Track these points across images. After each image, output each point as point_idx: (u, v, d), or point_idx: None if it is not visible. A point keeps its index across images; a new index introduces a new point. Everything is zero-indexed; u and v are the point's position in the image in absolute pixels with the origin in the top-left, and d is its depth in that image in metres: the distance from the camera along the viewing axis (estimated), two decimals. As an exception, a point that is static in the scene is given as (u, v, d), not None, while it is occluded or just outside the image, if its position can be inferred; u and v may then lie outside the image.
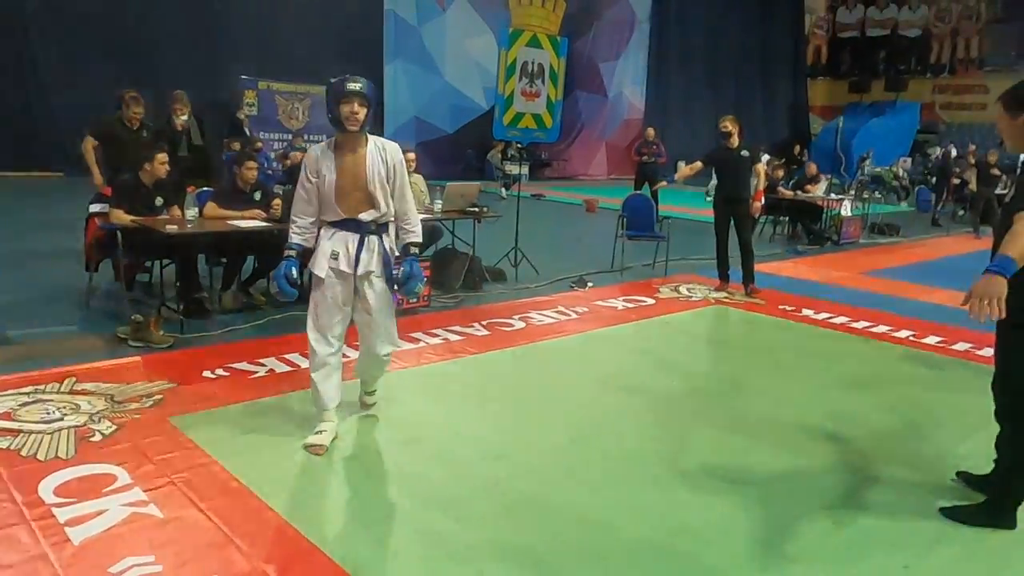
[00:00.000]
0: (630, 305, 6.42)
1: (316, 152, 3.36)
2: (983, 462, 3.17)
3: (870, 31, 29.36)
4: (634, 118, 22.46)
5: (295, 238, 3.35)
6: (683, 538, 2.74)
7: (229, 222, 5.29)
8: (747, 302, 6.72)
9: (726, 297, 6.84)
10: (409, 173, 6.92)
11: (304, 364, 4.39)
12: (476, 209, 6.58)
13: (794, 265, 9.06)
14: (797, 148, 19.18)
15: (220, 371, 4.19)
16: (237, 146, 9.57)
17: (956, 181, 14.39)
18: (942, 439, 3.79)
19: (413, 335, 5.08)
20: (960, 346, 5.55)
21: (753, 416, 4.00)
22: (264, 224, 5.35)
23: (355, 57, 16.39)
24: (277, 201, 5.47)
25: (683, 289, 7.08)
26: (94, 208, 5.35)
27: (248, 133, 12.00)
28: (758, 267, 7.31)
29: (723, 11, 24.51)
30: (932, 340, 5.71)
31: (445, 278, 6.44)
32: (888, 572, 2.58)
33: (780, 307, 6.56)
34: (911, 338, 5.75)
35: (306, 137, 14.21)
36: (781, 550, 2.70)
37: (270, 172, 10.13)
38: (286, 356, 4.49)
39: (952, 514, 2.92)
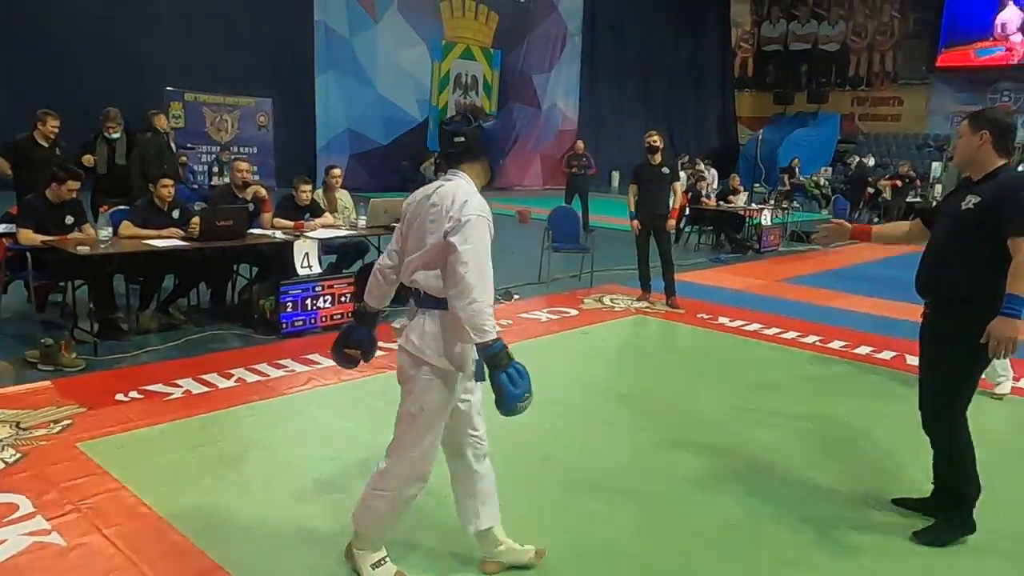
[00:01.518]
0: (554, 317, 6.57)
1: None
2: (897, 460, 3.39)
3: (792, 45, 30.50)
4: (568, 129, 22.82)
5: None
6: (590, 547, 2.87)
7: (145, 241, 5.22)
8: (667, 311, 6.95)
9: (647, 307, 7.05)
10: (335, 189, 7.01)
11: (223, 384, 4.39)
12: (401, 224, 6.63)
13: (716, 273, 9.38)
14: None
15: (134, 394, 4.14)
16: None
17: (871, 190, 15.12)
18: (848, 438, 4.03)
19: (335, 352, 5.10)
20: (862, 350, 5.88)
21: (662, 421, 4.17)
22: (182, 243, 5.30)
23: (286, 68, 16.30)
24: (196, 219, 5.42)
25: (607, 300, 7.27)
26: (1, 229, 5.21)
27: (173, 148, 11.75)
28: (682, 275, 7.56)
29: (653, 25, 25.17)
30: (837, 344, 6.02)
31: (371, 293, 6.46)
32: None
33: (698, 316, 6.80)
34: (818, 343, 6.06)
35: (235, 150, 13.99)
36: (695, 554, 2.85)
37: (195, 187, 9.97)
38: (203, 377, 4.46)
39: (923, 538, 2.96)
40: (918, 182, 13.57)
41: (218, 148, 14.11)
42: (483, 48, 20.87)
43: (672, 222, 7.21)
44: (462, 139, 2.40)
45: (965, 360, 2.86)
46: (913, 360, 5.44)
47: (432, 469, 2.49)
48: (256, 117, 15.59)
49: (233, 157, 10.37)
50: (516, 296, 7.16)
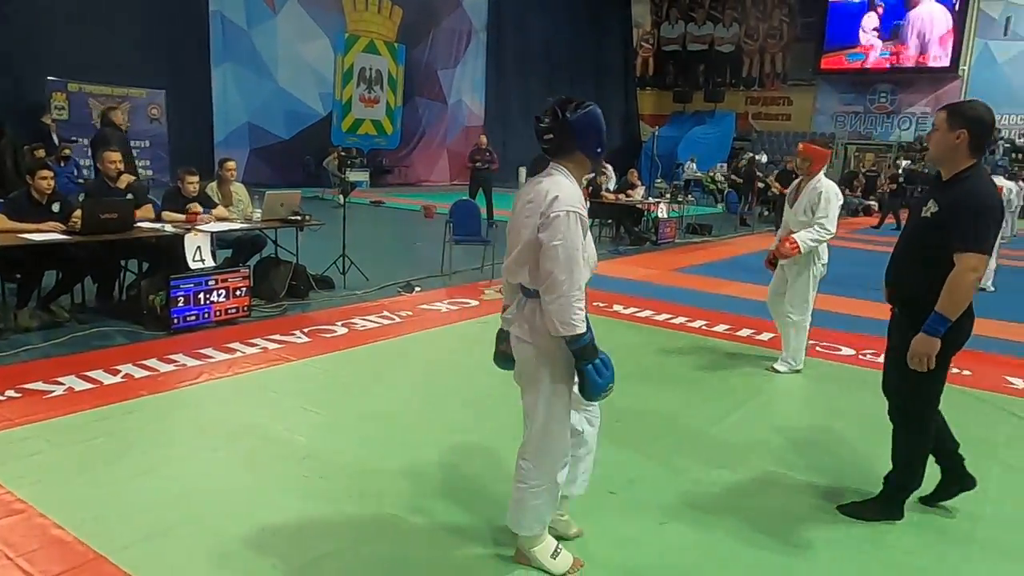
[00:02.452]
0: (454, 308, 6.68)
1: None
2: (753, 433, 3.65)
3: (690, 46, 31.66)
4: (474, 125, 22.92)
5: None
6: (478, 528, 2.99)
7: (20, 235, 5.00)
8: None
9: (546, 296, 7.24)
10: (229, 182, 6.88)
11: (109, 380, 4.28)
12: (298, 217, 6.58)
13: (615, 264, 9.71)
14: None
15: (11, 392, 3.98)
16: (41, 153, 8.90)
17: (761, 184, 15.92)
18: (712, 415, 4.31)
19: (230, 345, 5.04)
20: (743, 332, 6.25)
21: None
22: (62, 237, 5.10)
23: (180, 59, 15.70)
24: (78, 212, 5.23)
25: (507, 290, 7.42)
26: None
27: (55, 139, 11.17)
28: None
29: (557, 23, 25.58)
30: (721, 328, 6.39)
31: (267, 287, 6.39)
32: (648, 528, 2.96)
33: (594, 303, 7.04)
34: (703, 327, 6.40)
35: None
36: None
37: (81, 181, 9.52)
38: (87, 374, 4.33)
39: (850, 511, 3.11)
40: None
41: (107, 141, 13.45)
42: (387, 42, 20.71)
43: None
44: (551, 135, 2.41)
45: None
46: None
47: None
48: (148, 109, 14.95)
49: (105, 150, 9.91)
50: (418, 288, 7.23)
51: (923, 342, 2.74)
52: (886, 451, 3.18)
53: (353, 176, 17.58)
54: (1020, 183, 15.28)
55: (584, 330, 2.31)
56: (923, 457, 3.09)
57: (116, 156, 5.98)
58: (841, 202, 5.01)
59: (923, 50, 25.76)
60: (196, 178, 6.24)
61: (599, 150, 2.48)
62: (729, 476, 3.50)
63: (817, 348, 5.75)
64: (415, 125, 22.12)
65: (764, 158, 25.38)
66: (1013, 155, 23.33)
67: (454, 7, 22.54)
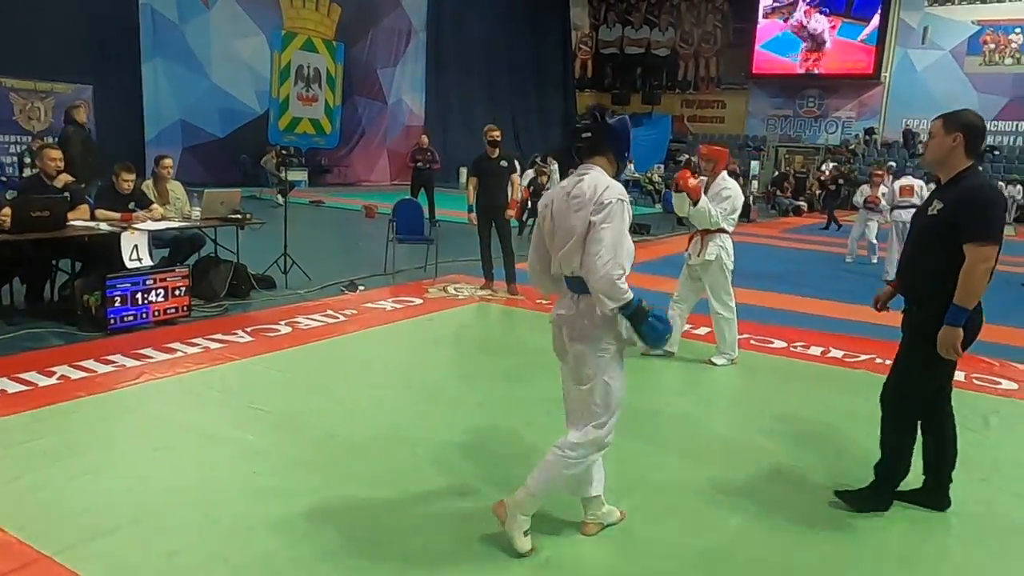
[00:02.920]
0: (398, 306, 6.69)
1: None
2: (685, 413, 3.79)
3: (628, 49, 32.24)
4: (415, 125, 22.82)
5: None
6: (429, 520, 3.05)
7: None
8: (508, 299, 7.26)
9: (490, 295, 7.33)
10: (166, 180, 6.73)
11: (44, 382, 4.17)
12: (239, 216, 6.49)
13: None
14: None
15: (-62, 396, 3.84)
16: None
17: (696, 185, 16.34)
18: (657, 402, 4.47)
19: (170, 345, 4.96)
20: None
21: (497, 397, 4.43)
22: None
23: (108, 54, 15.20)
24: (6, 210, 5.05)
25: (451, 289, 7.48)
26: None
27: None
28: (522, 266, 7.88)
29: (496, 24, 25.67)
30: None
31: (208, 287, 6.29)
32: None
33: (537, 301, 7.16)
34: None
35: (47, 140, 12.88)
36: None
37: (3, 179, 9.15)
38: (20, 376, 4.21)
39: (847, 499, 3.24)
40: (740, 179, 14.92)
41: (29, 138, 12.95)
42: (325, 40, 20.45)
43: (511, 212, 7.53)
44: (588, 134, 2.67)
45: (921, 357, 3.00)
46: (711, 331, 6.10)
47: None
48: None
49: (41, 145, 9.58)
50: (361, 287, 7.21)
51: (947, 333, 2.86)
52: (823, 433, 3.37)
53: (292, 175, 17.30)
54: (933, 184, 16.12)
55: (631, 295, 2.49)
56: (911, 446, 3.21)
57: (56, 154, 5.77)
58: (742, 199, 5.45)
59: (846, 57, 26.87)
60: (133, 175, 6.10)
61: (626, 155, 2.75)
62: (682, 463, 3.64)
63: (751, 341, 5.98)
64: (355, 124, 21.90)
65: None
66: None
67: (394, 6, 22.42)
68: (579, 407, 2.72)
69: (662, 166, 25.14)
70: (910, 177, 10.00)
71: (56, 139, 9.13)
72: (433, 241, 8.15)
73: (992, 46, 25.04)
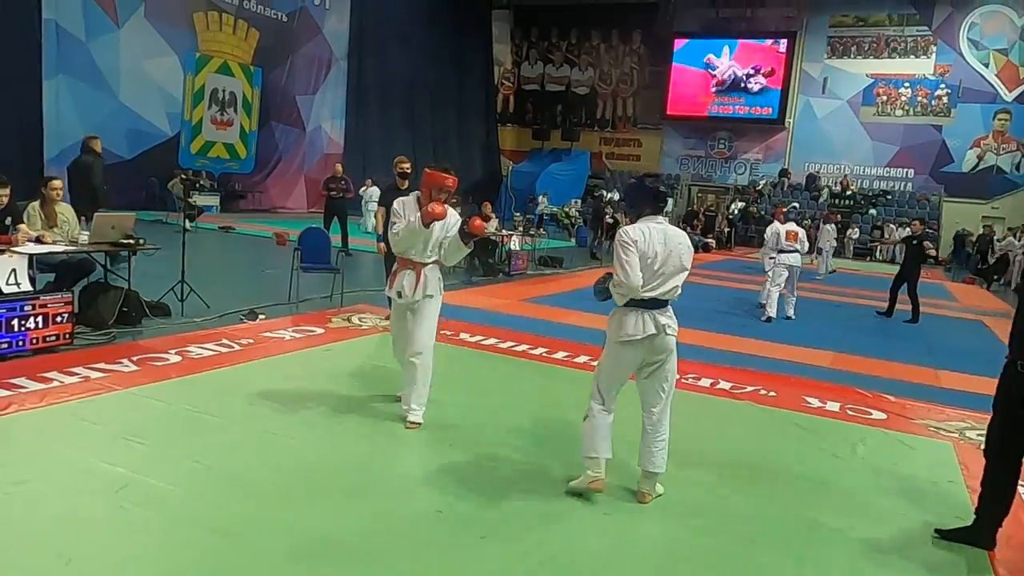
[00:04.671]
0: (298, 335, 6.59)
1: None
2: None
3: (549, 86, 33.06)
4: (333, 153, 22.64)
5: None
6: (318, 546, 3.01)
7: None
8: (413, 328, 7.24)
9: (394, 325, 7.30)
10: (55, 202, 6.47)
11: None
12: (131, 241, 6.29)
13: (467, 294, 9.92)
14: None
15: None
16: None
17: (609, 220, 16.81)
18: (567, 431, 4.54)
19: (46, 375, 4.73)
20: (581, 359, 6.59)
21: (384, 425, 4.42)
22: None
23: (6, 69, 14.52)
24: None
25: (355, 319, 7.42)
26: None
27: None
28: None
29: (419, 55, 25.87)
30: (561, 355, 6.71)
31: (95, 314, 6.04)
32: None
33: (441, 332, 7.16)
34: (543, 354, 6.70)
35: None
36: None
37: None
38: None
39: (947, 535, 3.51)
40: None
41: (-86, 153, 12.20)
42: (242, 64, 20.16)
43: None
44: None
45: None
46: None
47: None
48: (-34, 120, 13.72)
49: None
50: (262, 316, 7.07)
51: None
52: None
53: (202, 200, 16.88)
54: (831, 226, 17.10)
55: None
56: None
57: None
58: None
59: (753, 103, 28.31)
60: (7, 189, 5.73)
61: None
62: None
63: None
64: (271, 150, 21.56)
65: (616, 196, 26.81)
66: (832, 200, 26.00)
67: (314, 33, 22.32)
68: (667, 395, 3.69)
69: (579, 201, 25.74)
70: (793, 224, 10.43)
71: (68, 167, 9.72)
72: (339, 270, 8.09)
73: (884, 98, 26.89)
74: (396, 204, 4.50)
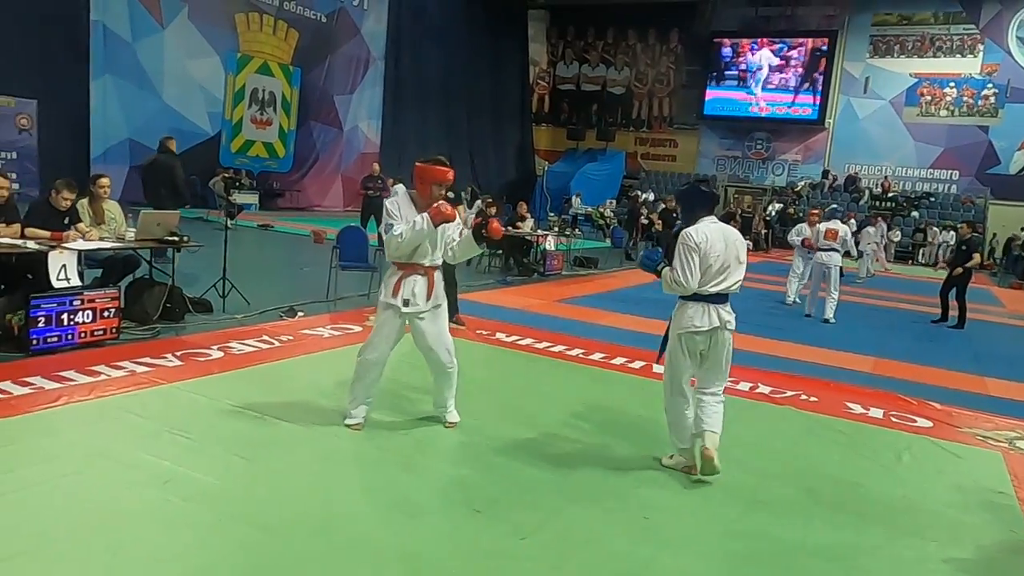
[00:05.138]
0: (336, 333, 6.66)
1: None
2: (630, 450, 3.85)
3: (584, 86, 32.92)
4: (370, 152, 22.84)
5: None
6: (359, 544, 3.03)
7: None
8: (450, 327, 7.25)
9: (431, 323, 7.33)
10: (102, 199, 6.61)
11: None
12: (175, 238, 6.41)
13: (501, 294, 9.92)
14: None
15: None
16: None
17: (644, 221, 16.69)
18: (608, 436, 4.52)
19: (94, 368, 4.84)
20: (617, 360, 6.55)
21: (423, 421, 4.44)
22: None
23: (55, 68, 14.95)
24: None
25: (392, 317, 7.46)
26: None
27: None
28: (470, 295, 7.94)
29: (456, 55, 25.99)
30: (597, 356, 6.67)
31: (140, 309, 6.17)
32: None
33: (477, 331, 7.20)
34: (581, 355, 6.67)
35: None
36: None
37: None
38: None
39: None
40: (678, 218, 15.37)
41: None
42: (282, 64, 20.43)
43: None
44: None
45: None
46: (659, 368, 6.21)
47: None
48: (16, 119, 14.12)
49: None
50: (301, 313, 7.15)
51: None
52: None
53: (242, 199, 17.11)
54: (872, 228, 16.76)
55: None
56: None
57: (5, 183, 5.67)
58: None
59: (792, 104, 27.89)
60: (74, 194, 5.94)
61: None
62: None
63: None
64: (309, 149, 21.82)
65: (651, 196, 26.60)
66: (873, 202, 25.50)
67: (352, 34, 22.53)
68: (724, 380, 4.04)
69: (614, 201, 25.60)
70: (837, 222, 10.35)
71: (144, 167, 10.23)
72: (377, 268, 8.14)
73: (928, 98, 26.27)
74: (388, 204, 4.14)
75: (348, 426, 4.25)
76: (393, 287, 4.14)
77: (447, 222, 3.99)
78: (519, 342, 6.98)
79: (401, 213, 4.03)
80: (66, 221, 5.92)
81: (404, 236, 3.98)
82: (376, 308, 4.33)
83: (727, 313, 3.93)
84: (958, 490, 4.19)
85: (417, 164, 4.11)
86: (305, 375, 5.37)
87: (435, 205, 3.93)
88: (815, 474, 4.26)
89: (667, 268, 3.90)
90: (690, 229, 3.88)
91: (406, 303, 4.12)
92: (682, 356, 3.96)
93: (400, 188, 4.09)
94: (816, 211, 12.04)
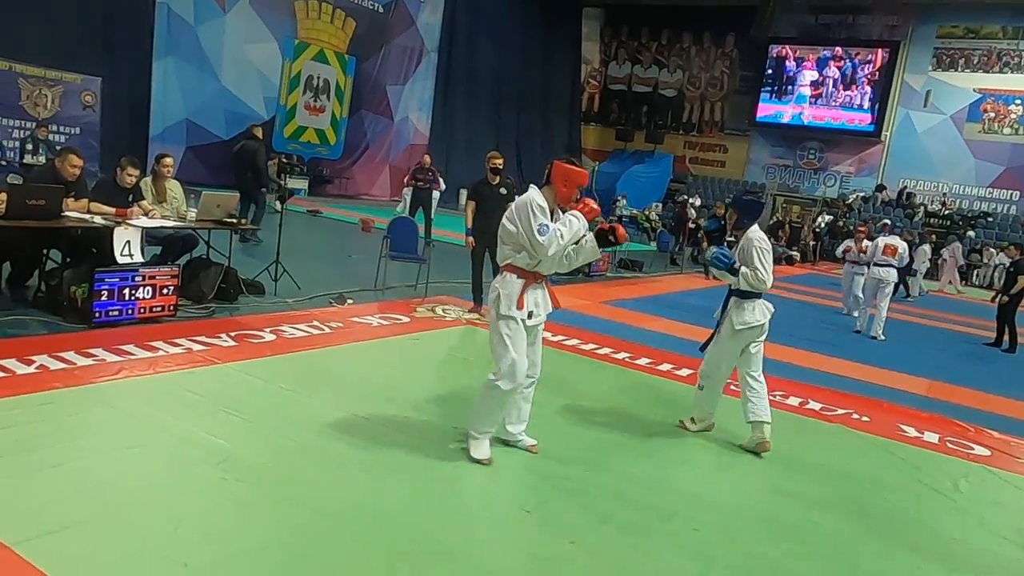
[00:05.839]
0: (385, 322, 6.71)
1: None
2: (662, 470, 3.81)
3: (635, 87, 32.64)
4: (419, 143, 22.98)
5: None
6: (407, 536, 3.05)
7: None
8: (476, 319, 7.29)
9: (477, 318, 7.36)
10: (165, 178, 6.76)
11: (22, 370, 4.16)
12: (234, 220, 6.52)
13: (546, 292, 9.88)
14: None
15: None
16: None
17: (692, 226, 16.48)
18: (631, 445, 4.48)
19: (152, 343, 4.95)
20: (664, 366, 6.49)
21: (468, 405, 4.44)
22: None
23: (120, 47, 15.33)
24: (2, 196, 5.06)
25: (439, 310, 7.50)
26: None
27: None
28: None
29: (508, 51, 25.99)
30: (643, 361, 6.61)
31: (196, 288, 6.29)
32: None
33: (523, 329, 7.17)
34: (626, 359, 6.62)
35: (52, 128, 12.96)
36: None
37: (3, 163, 9.17)
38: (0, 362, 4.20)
39: None
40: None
41: (34, 124, 12.97)
42: (337, 53, 20.64)
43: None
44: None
45: None
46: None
47: None
48: (81, 96, 14.50)
49: (65, 149, 9.67)
50: (350, 301, 7.22)
51: None
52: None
53: (292, 183, 17.36)
54: (927, 246, 16.33)
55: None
56: None
57: (78, 162, 5.78)
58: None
59: (848, 114, 27.29)
60: (138, 171, 6.10)
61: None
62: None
63: (732, 387, 6.03)
64: (359, 138, 22.02)
65: (698, 201, 26.26)
66: (928, 219, 24.85)
67: (407, 25, 22.66)
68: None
69: (660, 204, 25.34)
70: (896, 238, 10.14)
71: (234, 152, 10.79)
72: (425, 261, 8.19)
73: (992, 115, 25.48)
74: (534, 204, 3.71)
75: (479, 461, 3.76)
76: (517, 299, 3.78)
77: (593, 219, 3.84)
78: (564, 342, 6.94)
79: (549, 216, 3.75)
80: (130, 198, 6.07)
81: (564, 239, 3.71)
82: (491, 316, 3.91)
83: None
84: (1016, 523, 4.05)
85: (560, 164, 3.86)
86: (355, 363, 5.42)
87: (583, 202, 3.81)
88: (869, 498, 4.16)
89: (745, 267, 4.40)
90: (758, 232, 4.53)
91: (531, 315, 3.82)
92: (736, 350, 4.55)
93: (533, 188, 3.83)
94: (863, 227, 11.84)
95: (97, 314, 5.18)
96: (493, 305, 3.86)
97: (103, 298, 5.21)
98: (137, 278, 5.41)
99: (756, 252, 4.39)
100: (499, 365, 3.77)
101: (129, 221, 5.66)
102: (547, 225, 3.67)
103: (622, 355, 6.74)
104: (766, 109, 28.71)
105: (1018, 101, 25.04)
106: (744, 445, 4.57)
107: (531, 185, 3.89)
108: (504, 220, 3.85)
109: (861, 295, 10.88)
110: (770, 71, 28.65)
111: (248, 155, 10.24)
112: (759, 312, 4.48)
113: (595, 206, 3.84)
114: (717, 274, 4.66)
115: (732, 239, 4.82)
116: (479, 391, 3.88)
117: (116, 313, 5.30)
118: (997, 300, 10.25)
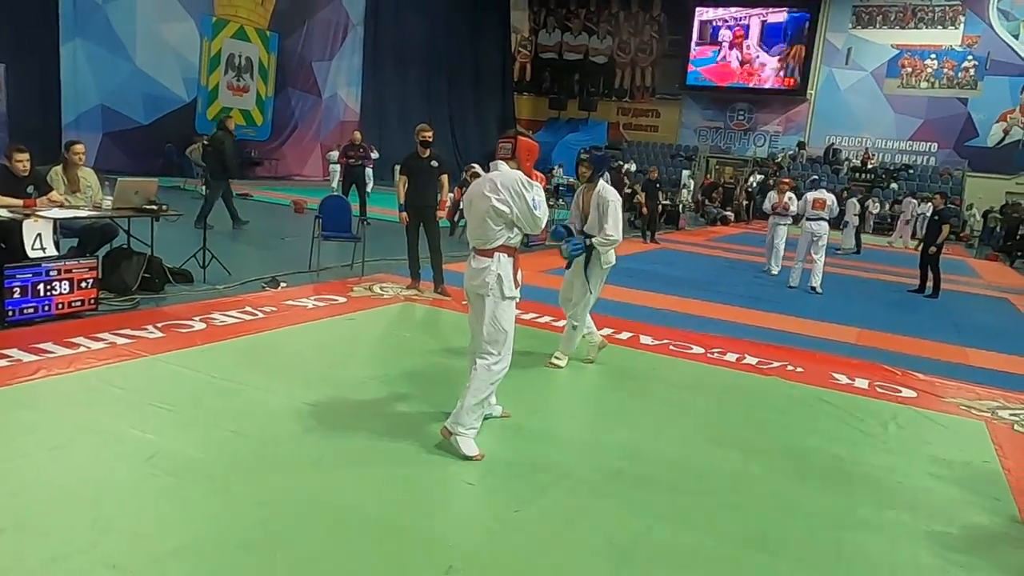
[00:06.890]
0: (321, 304, 6.56)
1: None
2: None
3: (566, 55, 32.56)
4: (350, 120, 22.51)
5: None
6: (350, 516, 2.99)
7: None
8: (434, 299, 7.21)
9: (416, 295, 7.27)
10: (77, 166, 6.41)
11: None
12: (154, 207, 6.25)
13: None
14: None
15: None
16: None
17: (628, 191, 16.60)
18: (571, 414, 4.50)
19: (72, 340, 4.73)
20: (605, 331, 6.52)
21: (426, 396, 4.39)
22: None
23: (24, 31, 14.48)
24: None
25: (376, 288, 7.38)
26: None
27: None
28: (454, 266, 7.82)
29: (436, 22, 25.55)
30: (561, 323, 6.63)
31: (118, 280, 6.02)
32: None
33: (463, 302, 7.10)
34: (551, 322, 6.63)
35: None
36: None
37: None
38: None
39: None
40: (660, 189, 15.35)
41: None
42: (258, 29, 19.96)
43: (441, 213, 7.47)
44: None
45: None
46: (646, 339, 6.22)
47: None
48: (-16, 84, 13.69)
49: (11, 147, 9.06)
50: (283, 284, 7.04)
51: None
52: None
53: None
54: (855, 199, 16.85)
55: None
56: None
57: (24, 156, 5.64)
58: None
59: (774, 75, 27.81)
60: (26, 155, 5.69)
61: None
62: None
63: (671, 347, 6.12)
64: (287, 117, 21.44)
65: (633, 167, 26.51)
66: (853, 174, 25.62)
67: (330, -2, 22.06)
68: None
69: (597, 172, 25.43)
70: (824, 191, 10.42)
71: (205, 141, 11.29)
72: (360, 239, 8.03)
73: (909, 70, 26.32)
74: (522, 175, 3.68)
75: (471, 457, 3.55)
76: (514, 277, 3.77)
77: None
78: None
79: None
80: (29, 189, 5.71)
81: (544, 204, 3.72)
82: (489, 301, 3.71)
83: None
84: (943, 459, 4.23)
85: (524, 139, 3.81)
86: (290, 347, 5.29)
87: (535, 173, 3.95)
88: (804, 445, 4.28)
89: (596, 237, 5.13)
90: (611, 189, 5.22)
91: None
92: (602, 283, 5.43)
93: (503, 165, 3.66)
94: (787, 180, 12.15)
95: (10, 313, 4.91)
96: (493, 289, 3.71)
97: (15, 296, 4.93)
98: (52, 272, 5.14)
99: (611, 211, 5.05)
100: (498, 348, 3.69)
101: (39, 213, 5.36)
102: (535, 198, 3.65)
103: (545, 318, 6.75)
104: (695, 72, 29.03)
105: (933, 56, 25.91)
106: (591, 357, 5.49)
107: (500, 163, 3.73)
108: (493, 202, 3.62)
109: (782, 247, 11.14)
110: (697, 34, 28.93)
111: (216, 145, 10.53)
112: (612, 254, 5.31)
113: (542, 176, 4.12)
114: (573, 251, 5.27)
115: (630, 191, 5.40)
116: (469, 383, 3.65)
117: (31, 311, 5.03)
118: (918, 248, 10.67)
